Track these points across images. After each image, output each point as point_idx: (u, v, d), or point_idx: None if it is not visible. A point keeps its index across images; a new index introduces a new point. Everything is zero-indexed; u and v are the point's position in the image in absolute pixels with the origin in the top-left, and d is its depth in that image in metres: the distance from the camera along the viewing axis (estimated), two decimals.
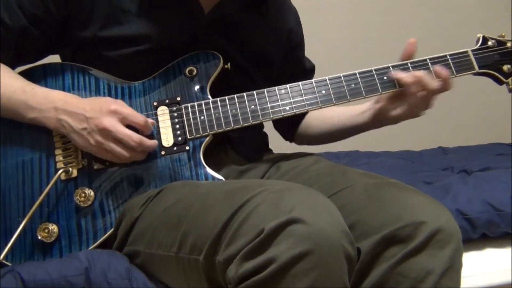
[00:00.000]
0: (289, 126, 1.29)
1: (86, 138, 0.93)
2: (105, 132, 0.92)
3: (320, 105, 1.03)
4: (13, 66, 1.03)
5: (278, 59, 1.18)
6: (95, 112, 0.93)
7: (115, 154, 0.94)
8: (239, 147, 1.10)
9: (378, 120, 1.10)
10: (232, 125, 1.01)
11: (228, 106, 1.01)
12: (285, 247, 0.69)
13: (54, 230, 0.94)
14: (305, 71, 1.27)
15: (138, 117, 0.95)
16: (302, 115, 1.26)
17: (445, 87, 1.03)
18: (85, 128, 0.93)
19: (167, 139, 1.00)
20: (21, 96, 0.95)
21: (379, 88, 1.04)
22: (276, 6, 1.17)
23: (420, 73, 1.02)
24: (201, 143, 1.00)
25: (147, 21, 1.02)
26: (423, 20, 2.43)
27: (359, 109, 1.15)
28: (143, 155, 0.97)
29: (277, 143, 1.30)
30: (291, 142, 1.34)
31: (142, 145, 0.94)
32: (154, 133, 1.00)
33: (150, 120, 0.98)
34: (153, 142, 0.97)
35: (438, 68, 1.03)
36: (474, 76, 1.11)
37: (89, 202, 0.96)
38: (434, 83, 1.01)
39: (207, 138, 1.00)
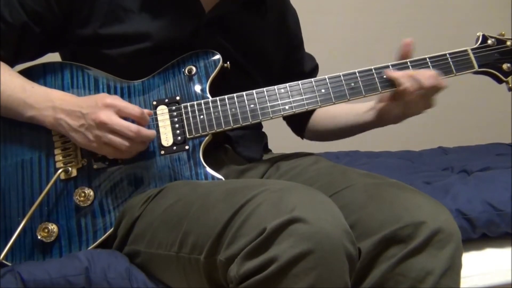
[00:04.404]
0: (299, 122, 1.29)
1: (85, 135, 0.92)
2: (103, 125, 0.91)
3: (319, 104, 1.03)
4: (12, 63, 1.02)
5: (278, 60, 1.19)
6: (91, 108, 0.92)
7: (115, 145, 0.92)
8: (239, 147, 1.09)
9: (381, 119, 1.11)
10: (232, 125, 1.00)
11: (227, 105, 1.01)
12: (287, 246, 0.69)
13: (54, 229, 0.94)
14: (304, 73, 1.27)
15: (134, 109, 0.94)
16: (311, 111, 1.26)
17: (437, 85, 1.02)
18: (83, 124, 0.92)
19: (167, 138, 1.00)
20: (20, 94, 0.95)
21: (379, 87, 1.04)
22: (275, 8, 1.18)
23: (413, 72, 1.02)
24: (200, 143, 1.00)
25: (148, 20, 1.02)
26: (423, 20, 2.43)
27: (364, 107, 1.15)
28: (143, 146, 0.96)
29: (277, 143, 1.29)
30: (302, 138, 1.34)
31: (140, 135, 0.93)
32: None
33: (146, 111, 0.97)
34: (151, 132, 0.96)
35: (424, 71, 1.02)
36: (474, 76, 1.11)
37: (89, 202, 0.96)
38: (428, 81, 1.01)
39: (207, 138, 1.00)
